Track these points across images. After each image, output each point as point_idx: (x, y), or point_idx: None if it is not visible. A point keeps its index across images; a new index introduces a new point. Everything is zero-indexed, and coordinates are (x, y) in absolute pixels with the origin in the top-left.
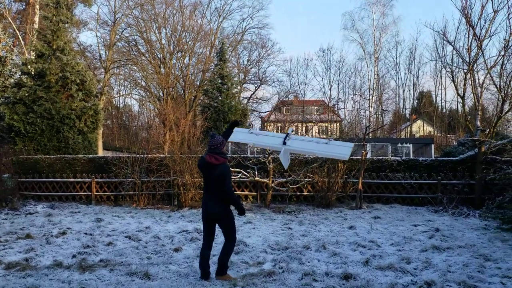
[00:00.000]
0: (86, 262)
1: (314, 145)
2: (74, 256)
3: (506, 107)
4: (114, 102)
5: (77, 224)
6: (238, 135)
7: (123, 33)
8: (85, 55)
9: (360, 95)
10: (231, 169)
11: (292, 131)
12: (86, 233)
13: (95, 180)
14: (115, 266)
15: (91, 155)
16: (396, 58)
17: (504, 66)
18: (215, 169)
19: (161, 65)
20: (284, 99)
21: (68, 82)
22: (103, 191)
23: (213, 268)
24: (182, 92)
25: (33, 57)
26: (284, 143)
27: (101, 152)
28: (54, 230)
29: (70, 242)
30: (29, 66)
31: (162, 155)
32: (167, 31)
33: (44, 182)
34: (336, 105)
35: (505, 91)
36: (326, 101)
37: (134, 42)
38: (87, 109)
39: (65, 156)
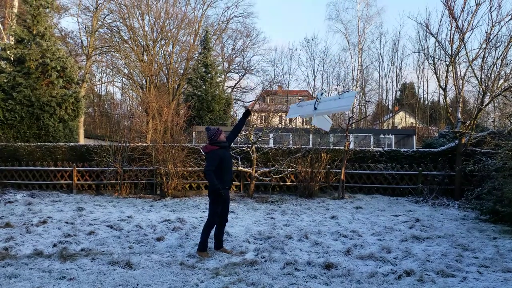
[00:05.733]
0: (67, 251)
1: (333, 103)
2: (55, 245)
3: (487, 99)
4: (96, 89)
5: (58, 213)
6: (293, 111)
7: (106, 19)
8: (66, 41)
9: (344, 86)
10: None
11: (322, 94)
12: (67, 222)
13: (77, 168)
14: (96, 255)
15: (72, 143)
16: (380, 50)
17: (485, 59)
18: (205, 155)
19: (144, 53)
20: (268, 89)
21: (49, 68)
22: (85, 180)
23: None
24: (166, 80)
25: (12, 42)
26: (315, 108)
27: (82, 141)
28: (35, 219)
29: (50, 231)
30: (8, 52)
31: (144, 144)
32: (150, 18)
33: (24, 170)
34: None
35: (486, 84)
36: (310, 92)
37: (116, 29)
38: (68, 96)
39: (46, 144)
